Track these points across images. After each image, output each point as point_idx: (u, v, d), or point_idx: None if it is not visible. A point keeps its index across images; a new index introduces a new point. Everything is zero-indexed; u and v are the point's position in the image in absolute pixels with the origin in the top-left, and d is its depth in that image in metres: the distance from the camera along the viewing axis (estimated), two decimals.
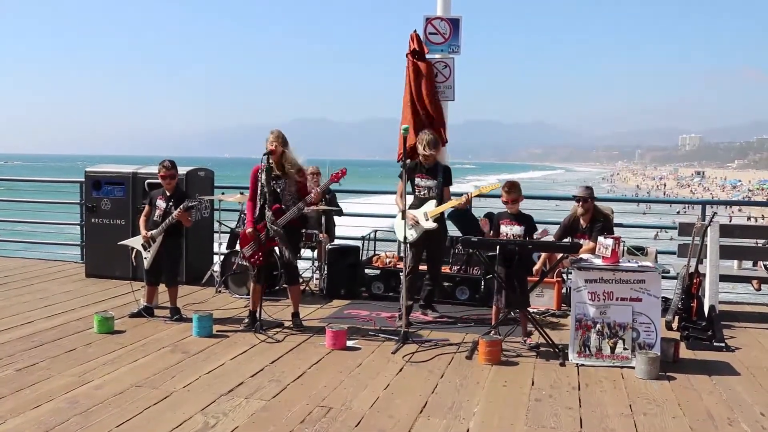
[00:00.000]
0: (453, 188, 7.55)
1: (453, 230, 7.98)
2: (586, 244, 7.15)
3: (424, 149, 7.19)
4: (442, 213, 7.31)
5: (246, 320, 7.08)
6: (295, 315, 7.14)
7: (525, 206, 6.90)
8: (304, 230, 7.86)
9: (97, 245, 9.38)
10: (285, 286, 7.51)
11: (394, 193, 7.51)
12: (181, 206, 7.15)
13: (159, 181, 7.44)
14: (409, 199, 7.24)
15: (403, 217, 6.86)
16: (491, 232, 6.84)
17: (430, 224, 7.13)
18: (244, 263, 7.58)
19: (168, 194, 7.33)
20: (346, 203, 9.39)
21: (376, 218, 10.43)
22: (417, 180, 7.30)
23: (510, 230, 6.66)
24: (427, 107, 8.56)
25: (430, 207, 7.18)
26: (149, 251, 7.27)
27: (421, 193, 7.30)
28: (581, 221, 7.46)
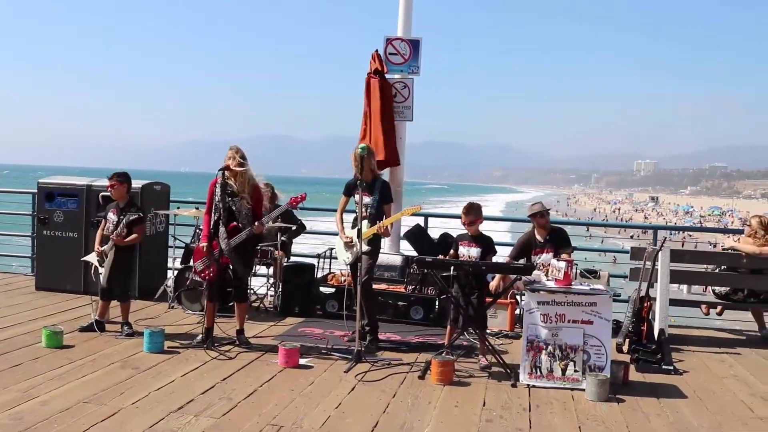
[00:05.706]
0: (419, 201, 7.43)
1: (409, 250, 7.98)
2: (546, 256, 7.24)
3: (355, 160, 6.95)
4: (376, 234, 7.03)
5: (199, 336, 7.00)
6: (240, 332, 7.09)
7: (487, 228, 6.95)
8: (258, 246, 7.83)
9: (49, 258, 9.23)
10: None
11: (352, 211, 7.37)
12: (119, 225, 7.09)
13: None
14: (352, 216, 7.22)
15: (364, 233, 6.83)
16: (451, 251, 6.87)
17: (365, 247, 6.96)
18: (197, 278, 7.51)
19: (121, 207, 7.25)
20: (304, 221, 9.37)
21: (333, 236, 10.40)
22: (356, 196, 7.02)
23: (467, 252, 6.73)
24: (383, 127, 8.66)
25: (363, 228, 6.94)
26: (104, 266, 7.19)
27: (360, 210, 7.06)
28: (537, 236, 7.54)
